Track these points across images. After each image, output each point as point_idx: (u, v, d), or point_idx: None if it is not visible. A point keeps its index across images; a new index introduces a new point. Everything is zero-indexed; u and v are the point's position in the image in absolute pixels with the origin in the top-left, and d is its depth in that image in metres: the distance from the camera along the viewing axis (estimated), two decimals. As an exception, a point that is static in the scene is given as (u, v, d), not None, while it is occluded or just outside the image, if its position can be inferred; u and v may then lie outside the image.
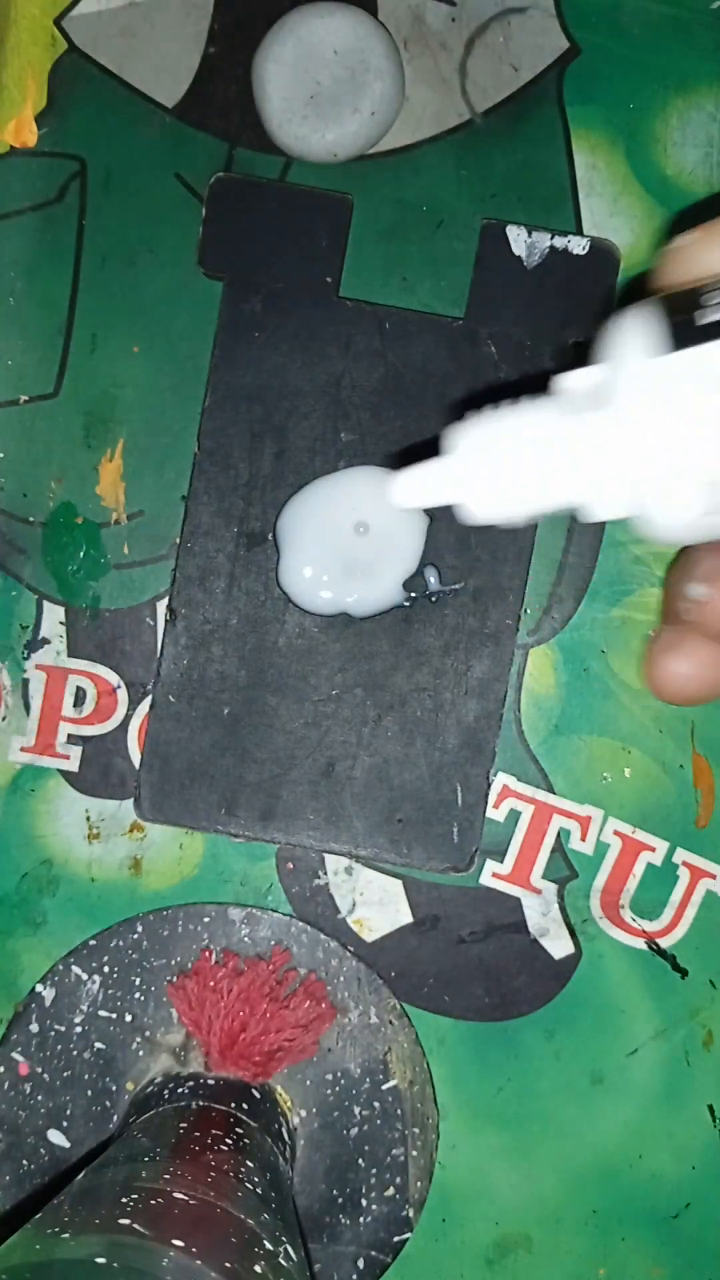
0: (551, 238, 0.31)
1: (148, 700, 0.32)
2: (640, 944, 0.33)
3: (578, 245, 0.31)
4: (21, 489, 0.33)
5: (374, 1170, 0.31)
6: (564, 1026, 0.32)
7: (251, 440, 0.32)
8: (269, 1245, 0.23)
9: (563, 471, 0.17)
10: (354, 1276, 0.30)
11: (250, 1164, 0.26)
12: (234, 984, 0.30)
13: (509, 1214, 0.32)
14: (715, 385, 0.15)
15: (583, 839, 0.33)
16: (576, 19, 0.33)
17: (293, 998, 0.31)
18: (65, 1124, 0.31)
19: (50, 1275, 0.19)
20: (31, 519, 0.33)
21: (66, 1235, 0.21)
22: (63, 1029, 0.31)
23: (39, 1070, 0.31)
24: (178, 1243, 0.21)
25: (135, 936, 0.32)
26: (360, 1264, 0.30)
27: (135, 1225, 0.21)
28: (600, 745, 0.33)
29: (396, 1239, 0.31)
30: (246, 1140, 0.27)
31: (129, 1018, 0.31)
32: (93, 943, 0.32)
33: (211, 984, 0.30)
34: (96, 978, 0.31)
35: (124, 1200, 0.22)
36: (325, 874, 0.33)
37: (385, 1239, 0.31)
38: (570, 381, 0.17)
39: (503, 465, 0.17)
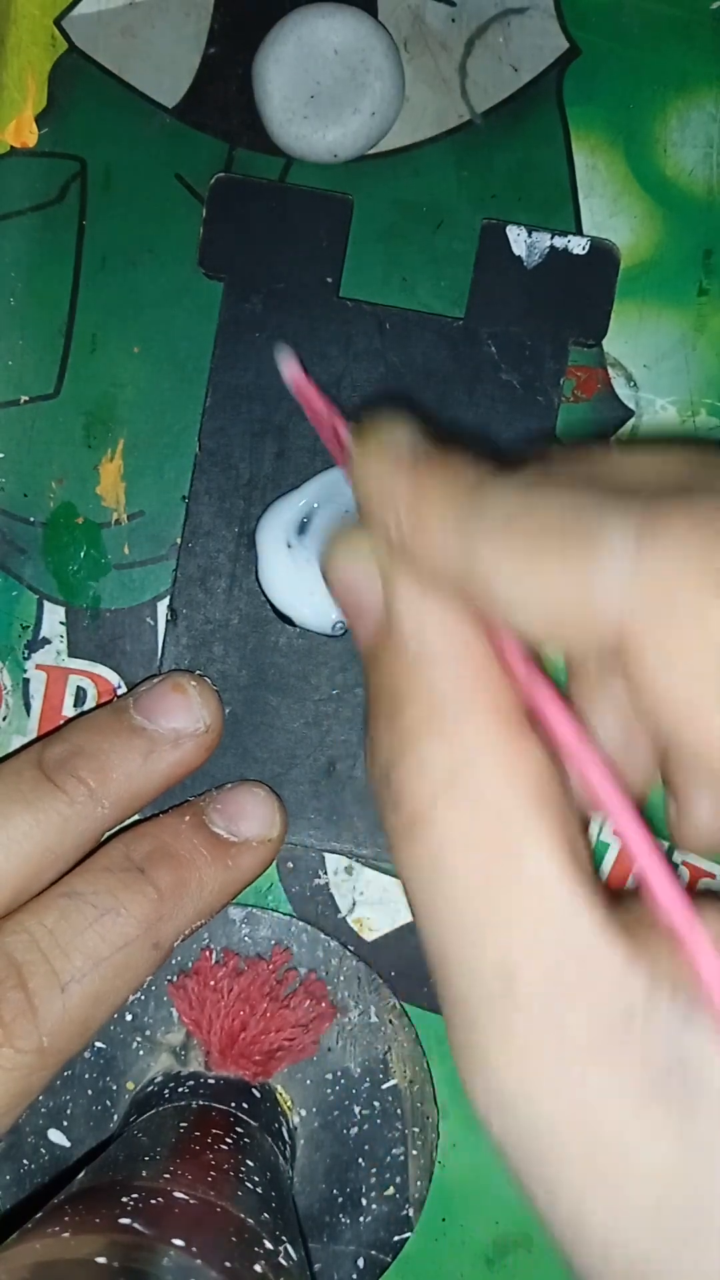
0: (551, 238, 0.31)
1: (148, 700, 0.32)
2: (640, 944, 0.33)
3: (578, 245, 0.31)
4: (22, 489, 0.33)
5: (374, 1170, 0.31)
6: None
7: (252, 440, 0.32)
8: (269, 1245, 0.23)
9: None
10: (354, 1276, 0.31)
11: (250, 1163, 0.26)
12: (234, 983, 0.30)
13: (509, 1213, 0.33)
14: None
15: (583, 839, 0.33)
16: (576, 19, 0.33)
17: (293, 997, 0.31)
18: (65, 1124, 0.31)
19: (50, 1275, 0.19)
20: (32, 519, 0.33)
21: (66, 1235, 0.21)
22: (63, 1028, 0.31)
23: (39, 1070, 0.31)
24: (178, 1242, 0.21)
25: (135, 936, 0.32)
26: (360, 1263, 0.31)
27: (135, 1225, 0.21)
28: (600, 745, 0.33)
29: (396, 1238, 0.31)
30: (246, 1140, 0.27)
31: (129, 1017, 0.31)
32: (93, 942, 0.32)
33: (212, 983, 0.30)
34: (97, 977, 0.31)
35: (124, 1200, 0.22)
36: (325, 874, 0.33)
37: (385, 1238, 0.31)
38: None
39: None
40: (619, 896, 0.17)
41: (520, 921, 0.16)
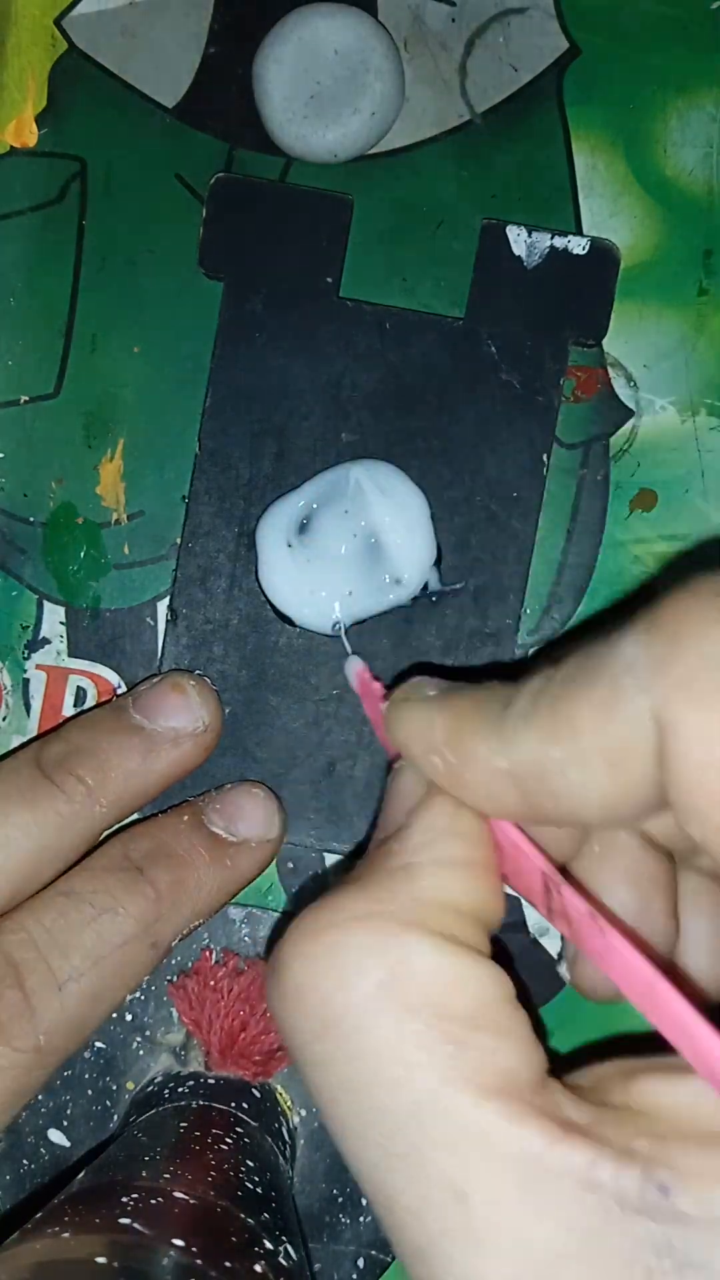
0: (551, 238, 0.31)
1: (148, 700, 0.32)
2: (640, 944, 0.33)
3: (578, 245, 0.31)
4: (22, 489, 0.33)
5: (374, 1170, 0.31)
6: (564, 1026, 0.32)
7: (252, 440, 0.32)
8: (269, 1245, 0.23)
9: None
10: (354, 1276, 0.30)
11: (250, 1163, 0.26)
12: (234, 983, 0.30)
13: (509, 1213, 0.33)
14: None
15: (583, 839, 0.33)
16: (576, 19, 0.33)
17: (293, 997, 0.31)
18: (65, 1124, 0.31)
19: (50, 1275, 0.19)
20: (32, 519, 0.33)
21: (66, 1235, 0.21)
22: (63, 1029, 0.31)
23: (39, 1070, 0.31)
24: (178, 1242, 0.21)
25: (135, 936, 0.32)
26: (360, 1263, 0.31)
27: (135, 1225, 0.21)
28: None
29: (396, 1238, 0.31)
30: (247, 1139, 0.27)
31: (129, 1017, 0.31)
32: (93, 942, 0.32)
33: (212, 983, 0.30)
34: (97, 977, 0.31)
35: (124, 1200, 0.22)
36: (325, 874, 0.33)
37: (385, 1238, 0.31)
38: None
39: None
40: (571, 1066, 0.17)
41: (463, 1147, 0.15)
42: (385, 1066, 0.16)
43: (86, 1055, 0.31)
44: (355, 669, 0.28)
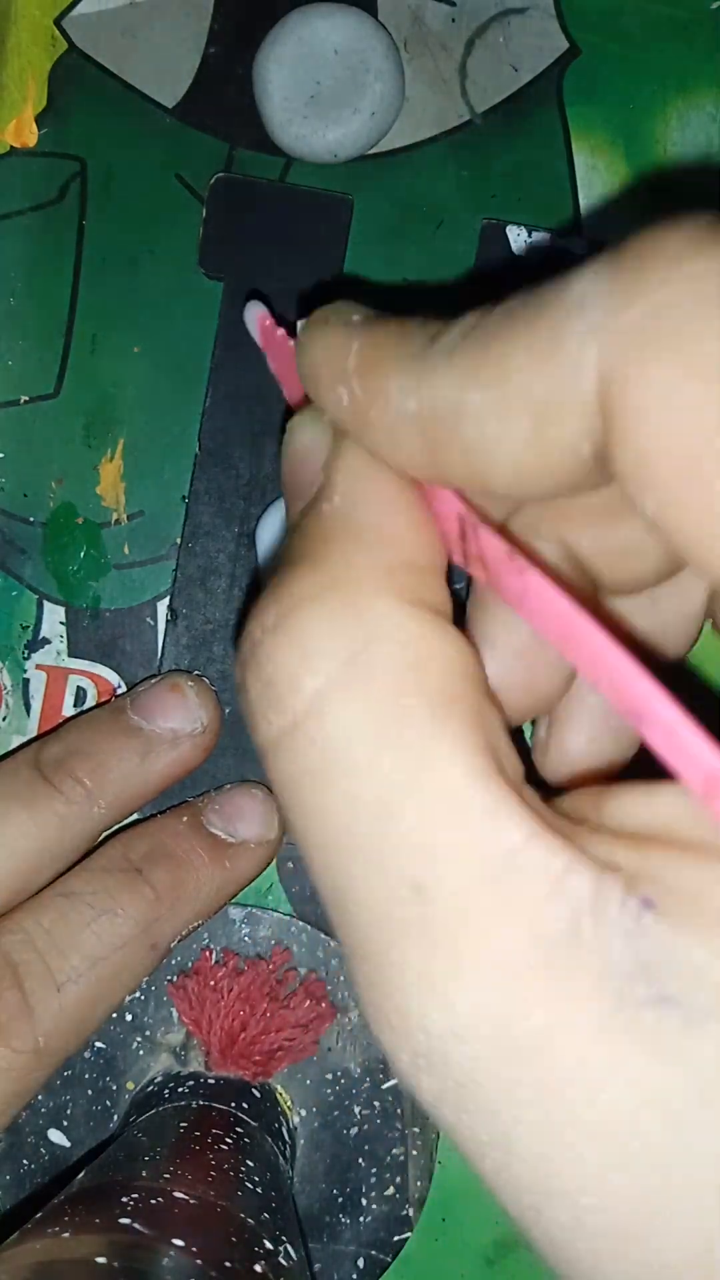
0: (551, 238, 0.31)
1: (148, 700, 0.32)
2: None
3: (578, 245, 0.31)
4: (22, 489, 0.33)
5: (374, 1169, 0.31)
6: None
7: (252, 440, 0.32)
8: (269, 1245, 0.23)
9: None
10: (354, 1276, 0.31)
11: (250, 1163, 0.26)
12: (234, 983, 0.30)
13: (509, 1213, 0.33)
14: None
15: (583, 839, 0.33)
16: (576, 19, 0.33)
17: (293, 997, 0.31)
18: (65, 1124, 0.31)
19: (50, 1275, 0.19)
20: (32, 519, 0.33)
21: (66, 1235, 0.21)
22: (63, 1028, 0.31)
23: (39, 1070, 0.31)
24: (178, 1242, 0.21)
25: (135, 936, 0.32)
26: (360, 1263, 0.31)
27: (135, 1225, 0.21)
28: (600, 745, 0.33)
29: (396, 1238, 0.31)
30: (247, 1139, 0.27)
31: (129, 1017, 0.31)
32: (93, 942, 0.32)
33: (212, 983, 0.30)
34: (97, 977, 0.31)
35: (124, 1200, 0.22)
36: (325, 874, 0.33)
37: (385, 1238, 0.31)
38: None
39: None
40: (554, 793, 0.15)
41: (433, 830, 0.13)
42: (354, 750, 0.14)
43: (86, 1055, 0.31)
44: (255, 314, 0.22)
